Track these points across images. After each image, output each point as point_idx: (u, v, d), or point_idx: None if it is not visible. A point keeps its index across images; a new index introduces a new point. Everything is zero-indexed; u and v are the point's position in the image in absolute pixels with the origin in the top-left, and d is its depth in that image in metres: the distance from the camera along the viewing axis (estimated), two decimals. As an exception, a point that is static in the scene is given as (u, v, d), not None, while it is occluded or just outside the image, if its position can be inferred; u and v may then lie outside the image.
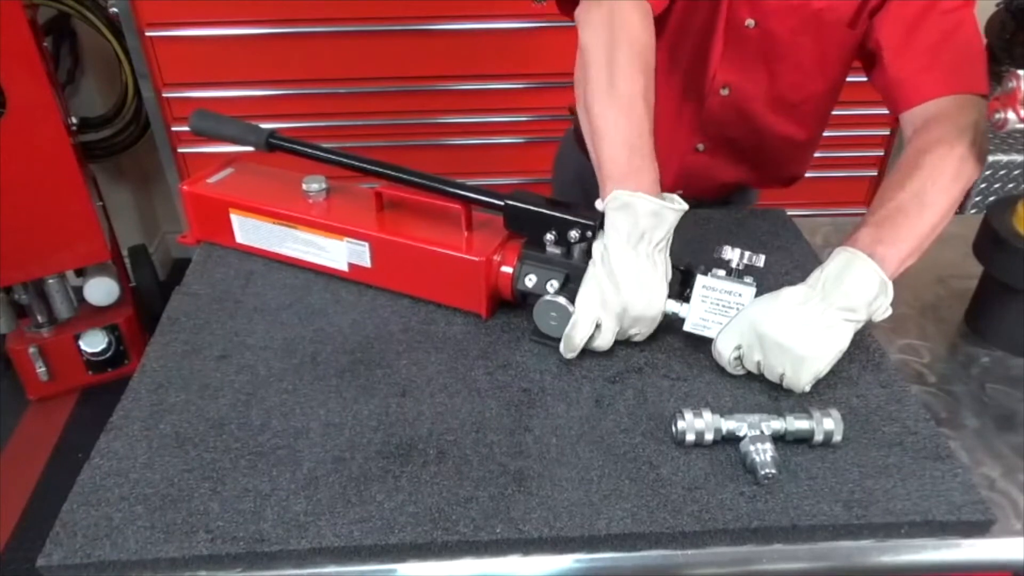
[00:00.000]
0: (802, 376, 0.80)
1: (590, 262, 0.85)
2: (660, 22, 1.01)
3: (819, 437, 0.75)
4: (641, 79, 0.88)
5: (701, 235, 1.12)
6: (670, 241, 0.86)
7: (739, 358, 0.83)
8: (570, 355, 0.86)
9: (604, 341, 0.85)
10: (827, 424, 0.75)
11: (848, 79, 1.12)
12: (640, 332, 0.88)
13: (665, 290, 0.85)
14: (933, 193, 0.85)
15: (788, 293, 0.82)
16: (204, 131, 1.05)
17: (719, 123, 1.14)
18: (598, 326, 0.84)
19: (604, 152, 0.86)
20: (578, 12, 0.96)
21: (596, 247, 0.85)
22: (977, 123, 0.90)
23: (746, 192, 1.32)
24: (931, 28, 0.96)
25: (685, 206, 0.85)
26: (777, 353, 0.80)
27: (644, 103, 0.87)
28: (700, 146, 1.18)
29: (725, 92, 1.10)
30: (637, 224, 0.82)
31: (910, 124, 0.97)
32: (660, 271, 0.85)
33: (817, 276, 0.82)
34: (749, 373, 0.85)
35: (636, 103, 0.86)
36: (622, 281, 0.82)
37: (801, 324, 0.79)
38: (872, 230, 0.84)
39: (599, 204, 0.85)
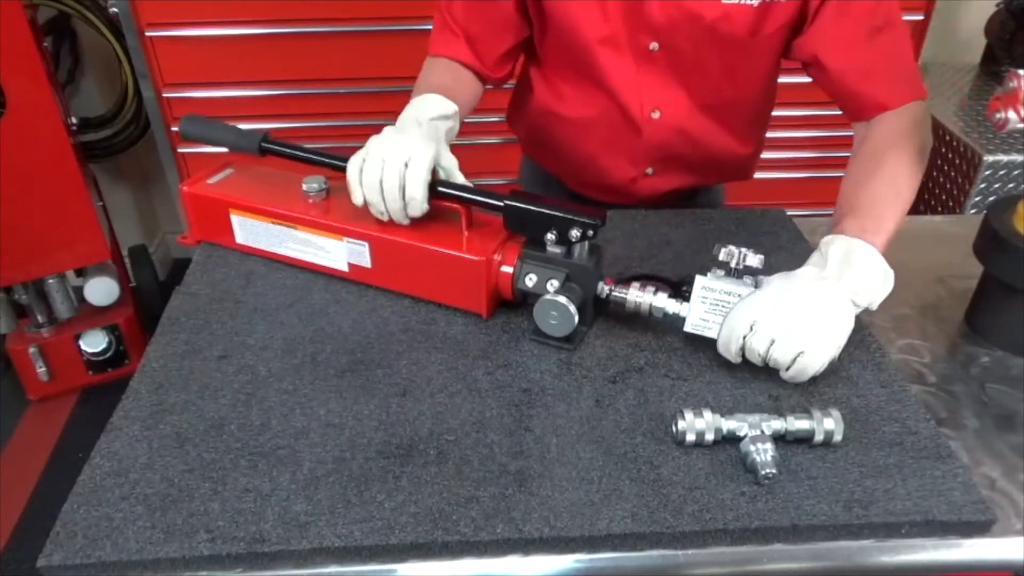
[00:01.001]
0: (818, 358, 0.78)
1: None
2: (569, 63, 1.10)
3: (819, 437, 0.75)
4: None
5: (701, 235, 1.12)
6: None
7: (744, 341, 0.81)
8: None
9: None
10: (827, 424, 0.75)
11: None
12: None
13: None
14: (903, 183, 0.92)
15: (804, 272, 0.82)
16: (194, 136, 1.05)
17: (662, 145, 1.15)
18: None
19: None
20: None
21: None
22: (924, 121, 1.00)
23: (710, 190, 1.34)
24: (874, 45, 0.99)
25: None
26: (794, 330, 0.78)
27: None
28: (649, 170, 1.20)
29: (656, 115, 1.12)
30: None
31: (863, 126, 1.05)
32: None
33: (821, 259, 0.82)
34: (750, 373, 0.85)
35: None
36: None
37: (820, 301, 0.79)
38: (855, 220, 0.86)
39: None
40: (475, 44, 1.11)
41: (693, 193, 1.29)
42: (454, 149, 0.98)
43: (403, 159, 0.89)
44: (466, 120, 1.08)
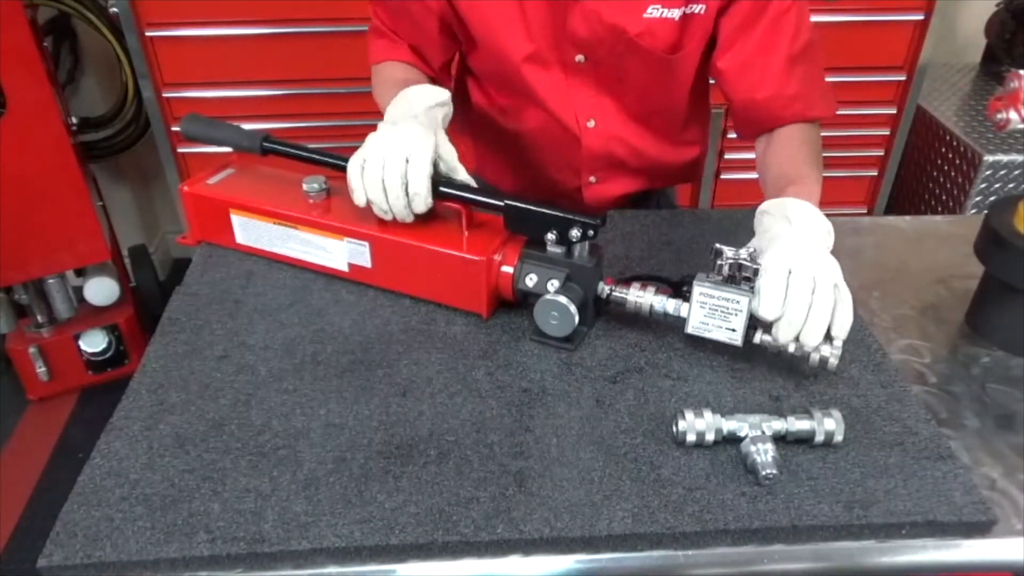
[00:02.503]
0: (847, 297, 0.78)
1: None
2: (502, 79, 1.11)
3: (820, 437, 0.75)
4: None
5: (701, 235, 1.12)
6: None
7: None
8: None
9: None
10: (828, 424, 0.75)
11: (848, 79, 1.13)
12: None
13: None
14: (817, 166, 0.99)
15: (794, 230, 0.83)
16: (196, 136, 1.05)
17: (601, 154, 1.16)
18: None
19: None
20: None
21: None
22: (818, 129, 1.06)
23: (661, 192, 1.34)
24: (794, 72, 1.01)
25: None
26: (825, 273, 0.78)
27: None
28: (592, 179, 1.20)
29: (592, 124, 1.12)
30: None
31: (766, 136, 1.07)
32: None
33: (782, 219, 0.85)
34: (751, 373, 0.84)
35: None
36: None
37: (823, 251, 0.81)
38: (790, 190, 0.90)
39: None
40: (417, 51, 1.12)
41: (645, 196, 1.29)
42: None
43: (404, 154, 0.88)
44: None
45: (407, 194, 0.89)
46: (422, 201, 0.89)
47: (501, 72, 1.10)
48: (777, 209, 0.87)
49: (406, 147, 0.88)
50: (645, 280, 0.90)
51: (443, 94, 0.99)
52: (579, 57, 1.05)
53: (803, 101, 1.02)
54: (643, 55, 1.02)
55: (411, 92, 0.98)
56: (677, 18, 0.99)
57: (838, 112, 1.10)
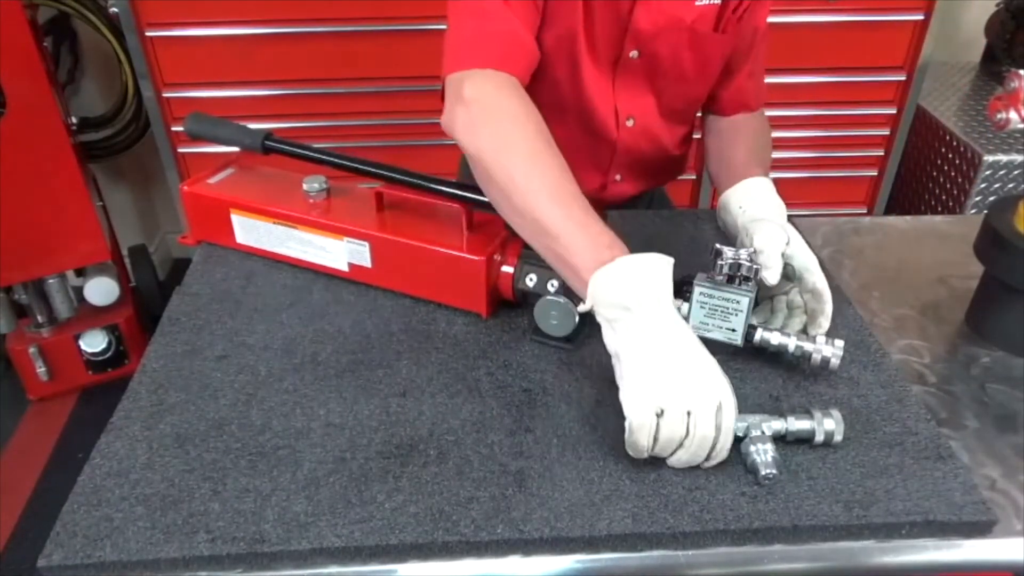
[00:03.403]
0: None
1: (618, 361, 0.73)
2: (543, 82, 1.00)
3: (820, 437, 0.75)
4: (547, 157, 0.80)
5: (701, 235, 1.12)
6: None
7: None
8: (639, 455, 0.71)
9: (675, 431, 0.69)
10: (828, 424, 0.75)
11: (848, 79, 1.13)
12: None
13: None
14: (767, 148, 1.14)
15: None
16: (200, 134, 1.05)
17: (632, 152, 1.16)
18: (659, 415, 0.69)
19: (562, 243, 0.75)
20: (445, 122, 0.87)
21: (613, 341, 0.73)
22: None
23: (656, 191, 1.35)
24: (757, 51, 1.14)
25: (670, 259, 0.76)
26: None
27: (564, 175, 0.79)
28: (618, 177, 1.20)
29: (631, 123, 1.12)
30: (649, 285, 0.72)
31: (719, 119, 1.19)
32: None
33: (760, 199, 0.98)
34: (751, 373, 0.84)
35: (562, 182, 0.78)
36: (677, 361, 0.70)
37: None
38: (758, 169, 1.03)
39: (583, 307, 0.75)
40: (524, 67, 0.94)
41: (648, 195, 1.31)
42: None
43: (715, 403, 0.70)
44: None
45: (713, 447, 0.71)
46: (722, 457, 0.73)
47: (551, 71, 1.04)
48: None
49: (716, 392, 0.70)
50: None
51: (668, 263, 0.75)
52: (633, 53, 1.04)
53: (758, 83, 1.18)
54: (694, 41, 1.04)
55: (644, 267, 0.73)
56: (719, 2, 1.03)
57: (839, 112, 1.11)
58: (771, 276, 0.85)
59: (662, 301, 0.72)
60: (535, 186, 0.78)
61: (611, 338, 0.74)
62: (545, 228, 0.77)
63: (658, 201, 1.36)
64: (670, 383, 0.69)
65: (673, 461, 0.72)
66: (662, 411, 0.69)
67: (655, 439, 0.70)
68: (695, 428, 0.69)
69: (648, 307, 0.71)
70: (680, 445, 0.70)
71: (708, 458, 0.72)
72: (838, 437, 0.76)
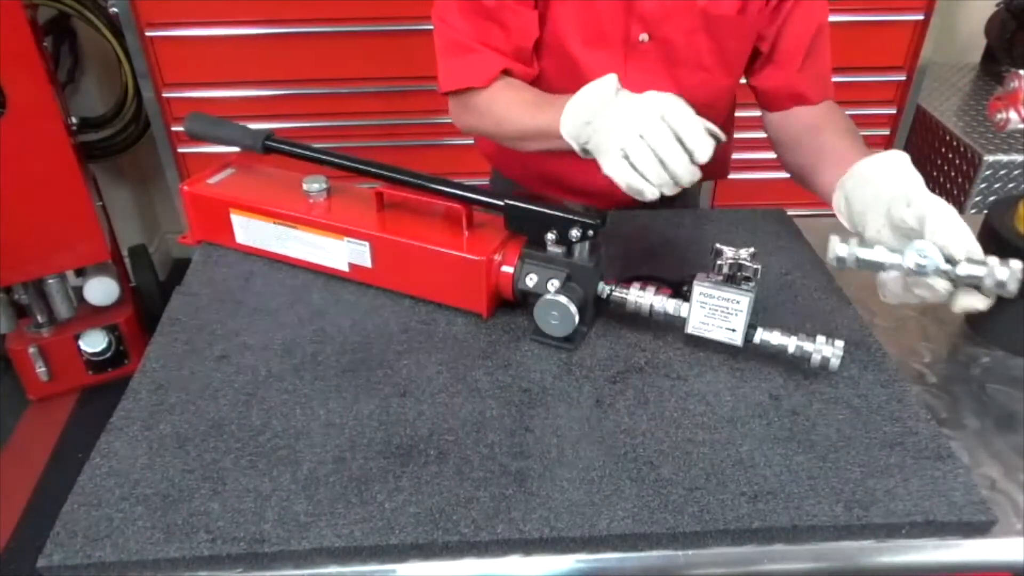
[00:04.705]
0: None
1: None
2: (552, 74, 1.07)
3: (989, 283, 0.72)
4: (517, 103, 0.99)
5: (701, 235, 1.12)
6: None
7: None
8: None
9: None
10: (1001, 274, 0.70)
11: (848, 79, 1.13)
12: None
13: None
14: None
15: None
16: (200, 134, 1.05)
17: None
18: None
19: (536, 118, 0.93)
20: (453, 114, 1.08)
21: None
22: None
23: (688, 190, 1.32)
24: (820, 45, 1.07)
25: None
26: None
27: (530, 99, 0.98)
28: None
29: None
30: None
31: (793, 118, 1.10)
32: None
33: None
34: (751, 372, 0.84)
35: (527, 106, 0.97)
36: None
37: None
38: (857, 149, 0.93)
39: (564, 130, 0.86)
40: (518, 56, 1.04)
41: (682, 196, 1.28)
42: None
43: (656, 114, 0.76)
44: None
45: (687, 151, 0.76)
46: (707, 146, 0.76)
47: (557, 62, 1.04)
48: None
49: (651, 108, 0.77)
50: (645, 280, 0.90)
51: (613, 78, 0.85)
52: (643, 36, 1.02)
53: (821, 78, 1.09)
54: (710, 25, 1.01)
55: (589, 90, 0.85)
56: None
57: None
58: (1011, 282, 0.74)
59: (608, 86, 0.83)
60: (516, 120, 0.99)
61: (601, 162, 0.82)
62: (531, 134, 0.96)
63: (691, 201, 1.31)
64: (632, 110, 0.79)
65: (674, 166, 0.77)
66: (641, 135, 0.77)
67: (658, 160, 0.77)
68: (674, 121, 0.76)
69: (598, 106, 0.83)
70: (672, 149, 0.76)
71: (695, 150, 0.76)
72: (1012, 287, 0.71)
